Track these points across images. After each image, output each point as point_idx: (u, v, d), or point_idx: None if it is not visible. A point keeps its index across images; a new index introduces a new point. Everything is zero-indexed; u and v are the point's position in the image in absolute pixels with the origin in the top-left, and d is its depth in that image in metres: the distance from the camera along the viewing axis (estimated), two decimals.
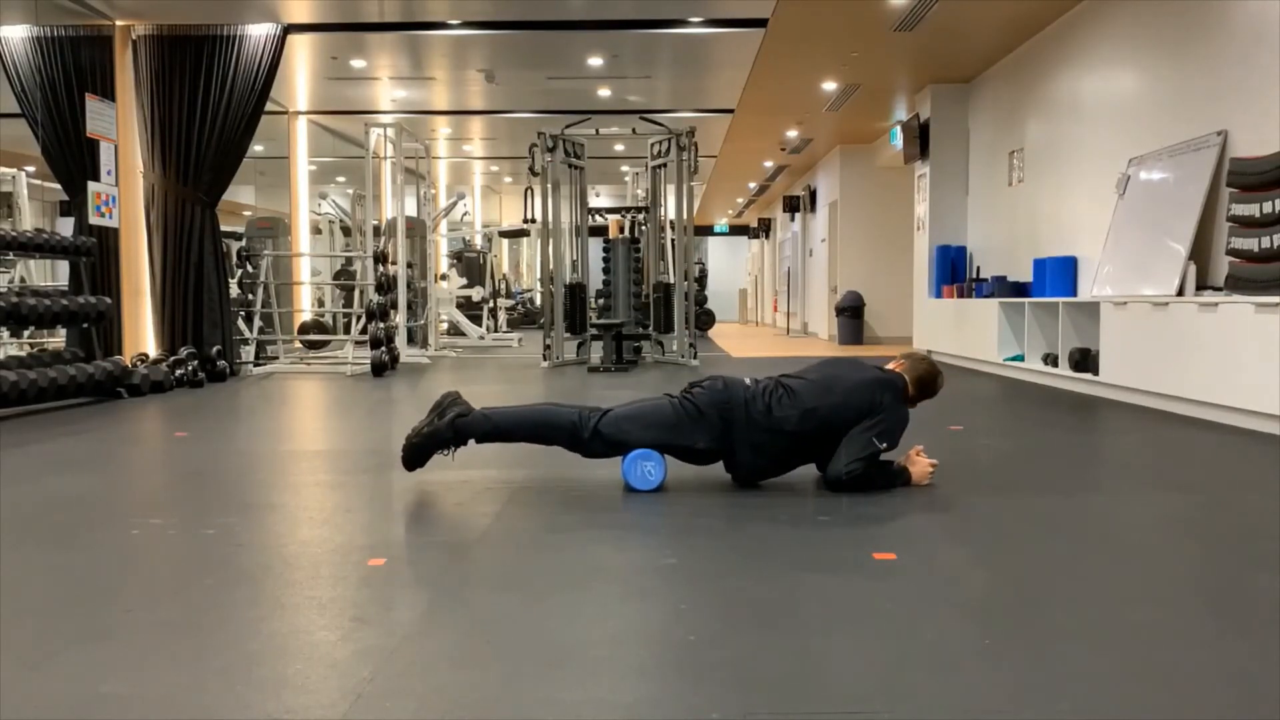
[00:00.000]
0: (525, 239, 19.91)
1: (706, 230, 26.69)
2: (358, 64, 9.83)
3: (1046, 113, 8.24)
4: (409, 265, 10.31)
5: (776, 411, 3.16)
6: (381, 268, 8.73)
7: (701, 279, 17.15)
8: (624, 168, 15.42)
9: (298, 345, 10.71)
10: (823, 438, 3.21)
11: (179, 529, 2.81)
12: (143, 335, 8.09)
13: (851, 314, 13.35)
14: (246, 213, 12.93)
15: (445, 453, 3.27)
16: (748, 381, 3.28)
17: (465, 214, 18.48)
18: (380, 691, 1.63)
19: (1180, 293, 5.63)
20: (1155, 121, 6.41)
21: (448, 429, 3.21)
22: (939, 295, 9.99)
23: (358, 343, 8.76)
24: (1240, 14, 5.53)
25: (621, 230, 10.94)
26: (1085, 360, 6.47)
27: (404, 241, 10.01)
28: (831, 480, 3.18)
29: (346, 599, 2.16)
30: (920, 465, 3.28)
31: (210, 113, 7.82)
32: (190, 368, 7.16)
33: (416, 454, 3.27)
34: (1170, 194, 6.08)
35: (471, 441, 3.27)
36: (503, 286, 17.92)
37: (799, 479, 3.36)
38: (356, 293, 9.83)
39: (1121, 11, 6.91)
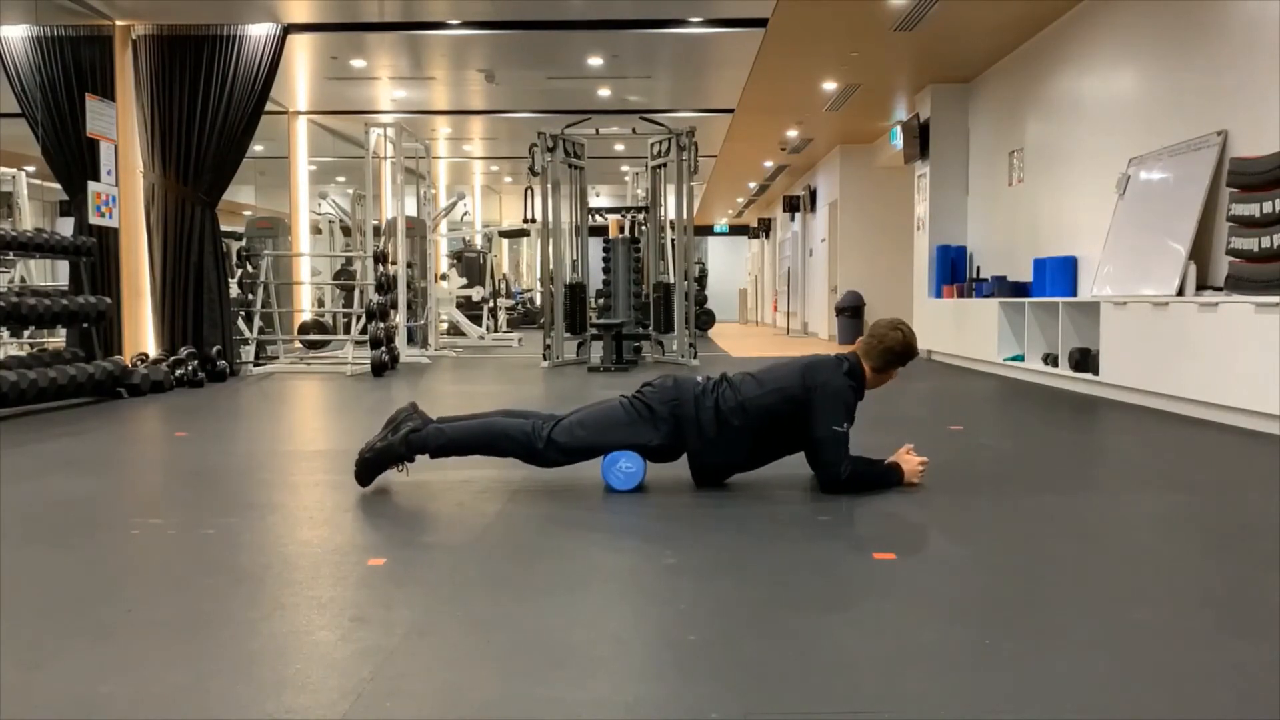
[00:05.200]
0: (525, 239, 19.90)
1: (706, 230, 26.68)
2: (358, 64, 9.83)
3: (1046, 113, 8.24)
4: (409, 265, 10.32)
5: (721, 405, 3.18)
6: (381, 268, 8.74)
7: (701, 279, 17.14)
8: (624, 168, 15.42)
9: (298, 345, 10.71)
10: (774, 430, 3.21)
11: (179, 529, 2.81)
12: (143, 335, 8.09)
13: (851, 314, 13.35)
14: (246, 213, 12.93)
15: (399, 468, 3.25)
16: (699, 379, 3.29)
17: (465, 214, 18.48)
18: (380, 691, 1.63)
19: (1180, 293, 5.63)
20: (1155, 121, 6.42)
21: (401, 444, 3.19)
22: (939, 295, 9.99)
23: (358, 343, 8.76)
24: (1240, 14, 5.53)
25: (621, 230, 10.94)
26: (1085, 360, 6.47)
27: (404, 241, 10.02)
28: (827, 485, 3.18)
29: (346, 599, 2.16)
30: (910, 463, 3.27)
31: (210, 113, 7.82)
32: (190, 368, 7.16)
33: (369, 469, 3.25)
34: (1170, 194, 6.08)
35: (426, 455, 3.24)
36: (503, 286, 17.92)
37: (797, 479, 3.37)
38: (356, 293, 9.83)
39: (1121, 11, 6.91)
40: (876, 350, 3.27)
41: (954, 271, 9.98)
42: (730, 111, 11.66)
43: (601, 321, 9.33)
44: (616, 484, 3.22)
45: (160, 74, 7.83)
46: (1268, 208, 4.94)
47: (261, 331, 9.15)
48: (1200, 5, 5.91)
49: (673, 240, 10.36)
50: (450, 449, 3.24)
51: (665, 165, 9.63)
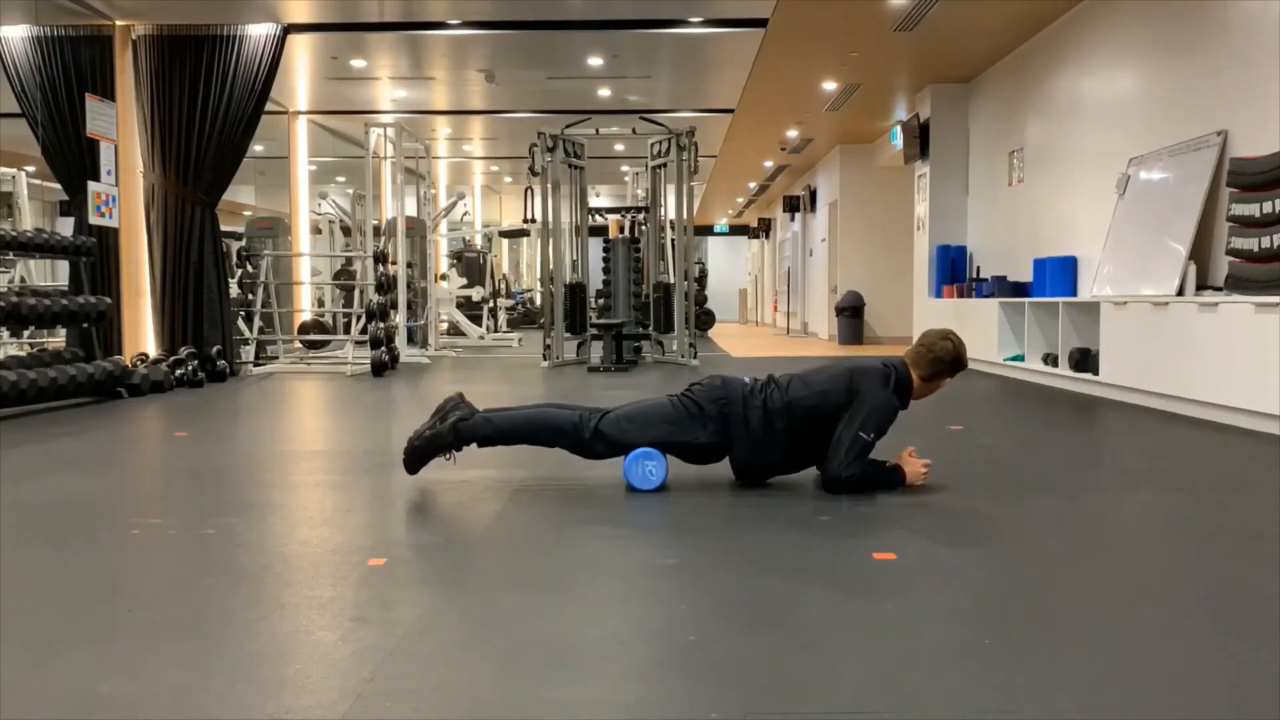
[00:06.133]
0: (525, 239, 19.90)
1: (706, 230, 26.69)
2: (358, 64, 9.83)
3: (1046, 113, 8.24)
4: (409, 265, 10.31)
5: (769, 406, 3.20)
6: (381, 268, 8.74)
7: (701, 279, 17.15)
8: (624, 168, 15.41)
9: (298, 345, 10.71)
10: (817, 431, 3.22)
11: (179, 529, 2.81)
12: (143, 335, 8.09)
13: (851, 314, 13.35)
14: (246, 213, 12.92)
15: (447, 457, 3.30)
16: (746, 380, 3.31)
17: (465, 214, 18.48)
18: (380, 691, 1.63)
19: (1180, 293, 5.63)
20: (1155, 121, 6.42)
21: (449, 432, 3.24)
22: (939, 295, 9.99)
23: (358, 343, 8.76)
24: (1240, 14, 5.53)
25: (621, 230, 10.94)
26: (1085, 360, 6.47)
27: (404, 241, 10.02)
28: (829, 482, 3.18)
29: (346, 599, 2.16)
30: (913, 466, 3.27)
31: (210, 113, 7.82)
32: (190, 368, 7.16)
33: (418, 457, 3.30)
34: (1170, 194, 6.08)
35: (474, 445, 3.29)
36: (503, 286, 17.92)
37: (798, 479, 3.37)
38: (356, 293, 9.83)
39: (1121, 11, 6.91)
40: (926, 359, 3.29)
41: (954, 271, 9.98)
42: (730, 111, 11.66)
43: (601, 321, 9.33)
44: (638, 483, 3.23)
45: (160, 74, 7.83)
46: (1268, 208, 4.94)
47: (261, 331, 9.15)
48: (1200, 5, 5.91)
49: (673, 240, 10.36)
50: (497, 438, 3.29)
51: (665, 165, 9.63)
